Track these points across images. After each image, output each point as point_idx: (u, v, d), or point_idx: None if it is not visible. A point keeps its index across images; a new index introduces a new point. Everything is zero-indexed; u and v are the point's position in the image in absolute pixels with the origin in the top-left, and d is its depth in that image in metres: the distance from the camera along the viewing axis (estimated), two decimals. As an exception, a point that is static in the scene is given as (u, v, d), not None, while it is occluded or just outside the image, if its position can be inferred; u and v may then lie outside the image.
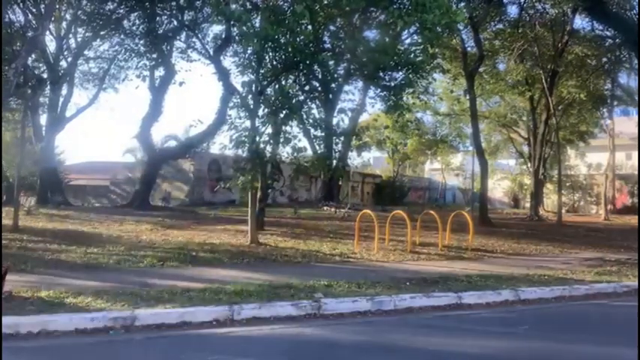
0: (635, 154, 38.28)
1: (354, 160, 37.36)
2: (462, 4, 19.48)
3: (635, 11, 20.21)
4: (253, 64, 11.76)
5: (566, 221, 23.83)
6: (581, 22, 24.73)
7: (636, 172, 36.29)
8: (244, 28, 11.75)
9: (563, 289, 7.99)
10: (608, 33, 23.10)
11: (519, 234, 16.89)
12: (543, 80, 24.18)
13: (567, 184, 36.70)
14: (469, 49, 23.29)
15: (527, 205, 32.63)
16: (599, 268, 10.19)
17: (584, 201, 39.22)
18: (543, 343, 5.42)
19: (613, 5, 19.61)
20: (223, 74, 18.35)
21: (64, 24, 22.30)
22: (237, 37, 16.02)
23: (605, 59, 26.03)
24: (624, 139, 36.46)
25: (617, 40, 22.57)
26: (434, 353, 5.00)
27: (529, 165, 31.29)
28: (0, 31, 13.30)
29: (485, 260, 11.14)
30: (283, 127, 11.92)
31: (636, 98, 28.31)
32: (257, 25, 12.11)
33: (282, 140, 12.01)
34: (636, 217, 28.08)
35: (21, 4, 19.75)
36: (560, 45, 23.45)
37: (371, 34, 23.42)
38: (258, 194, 12.96)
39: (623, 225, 24.46)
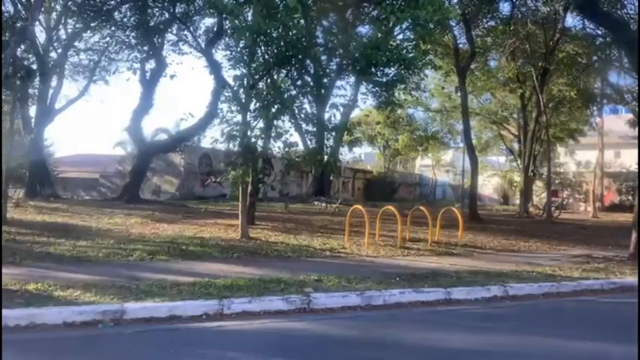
0: (624, 152, 38.75)
1: (346, 155, 37.40)
2: (455, 0, 19.54)
3: (625, 10, 20.33)
4: (245, 57, 11.70)
5: (555, 218, 24.04)
6: (572, 20, 24.91)
7: (624, 170, 36.71)
8: (236, 21, 11.70)
9: (552, 285, 8.07)
10: (598, 32, 23.23)
11: (508, 230, 17.01)
12: (534, 78, 24.31)
13: (557, 181, 37.01)
14: (461, 45, 23.38)
15: (517, 201, 32.88)
16: (587, 265, 10.29)
17: (572, 198, 39.62)
18: (531, 338, 5.47)
19: (604, 4, 19.70)
20: (215, 68, 18.28)
21: (54, 14, 22.05)
22: (229, 31, 15.96)
23: (595, 58, 26.23)
24: (613, 137, 36.81)
25: (608, 38, 22.71)
26: (423, 348, 5.03)
27: (519, 162, 31.49)
28: (0, 29, 13.09)
29: (475, 256, 11.21)
30: (275, 122, 11.89)
31: (625, 97, 28.57)
32: (249, 18, 12.05)
33: (273, 135, 11.99)
34: (624, 214, 28.46)
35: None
36: (551, 43, 23.57)
37: (363, 29, 23.47)
38: (249, 189, 12.94)
39: (611, 222, 24.76)
